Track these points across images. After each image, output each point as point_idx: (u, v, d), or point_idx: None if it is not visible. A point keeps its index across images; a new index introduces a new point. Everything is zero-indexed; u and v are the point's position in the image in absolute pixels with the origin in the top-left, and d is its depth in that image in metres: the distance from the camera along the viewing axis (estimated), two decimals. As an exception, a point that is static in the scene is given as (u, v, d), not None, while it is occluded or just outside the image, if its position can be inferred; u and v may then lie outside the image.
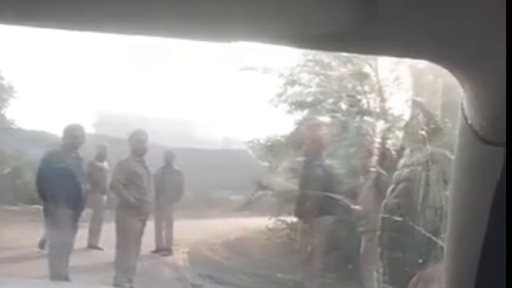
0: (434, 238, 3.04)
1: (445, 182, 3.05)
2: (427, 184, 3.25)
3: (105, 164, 7.57)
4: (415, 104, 3.70)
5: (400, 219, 3.36)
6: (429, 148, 3.25)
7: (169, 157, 7.81)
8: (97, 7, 0.72)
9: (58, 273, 5.59)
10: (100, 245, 7.43)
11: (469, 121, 0.78)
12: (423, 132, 3.33)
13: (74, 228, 5.96)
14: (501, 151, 0.74)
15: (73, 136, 6.02)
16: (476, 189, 0.82)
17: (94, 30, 0.83)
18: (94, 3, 0.72)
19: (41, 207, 6.58)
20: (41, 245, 6.85)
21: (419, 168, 3.39)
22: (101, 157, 7.61)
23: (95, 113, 9.94)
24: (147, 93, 9.07)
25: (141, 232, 6.30)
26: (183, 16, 0.76)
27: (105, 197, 7.55)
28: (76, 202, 5.89)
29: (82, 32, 0.84)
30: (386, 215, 3.52)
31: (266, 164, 8.44)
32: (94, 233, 7.58)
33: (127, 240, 6.16)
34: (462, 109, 0.80)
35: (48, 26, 0.84)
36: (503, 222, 0.78)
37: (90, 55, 8.31)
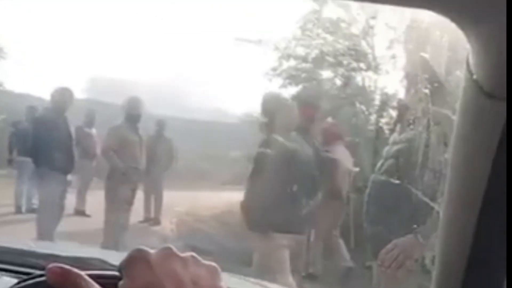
0: (431, 203, 2.99)
1: (446, 144, 3.01)
2: (427, 145, 3.20)
3: (93, 130, 7.48)
4: (420, 60, 3.63)
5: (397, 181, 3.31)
6: (431, 107, 3.19)
7: (160, 126, 7.73)
8: None
9: (47, 236, 5.55)
10: (87, 212, 7.39)
11: (474, 76, 0.77)
12: (426, 91, 3.26)
13: (63, 192, 5.91)
14: (504, 106, 0.75)
15: (61, 99, 5.94)
16: (479, 143, 0.82)
17: None
18: None
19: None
20: (18, 209, 6.84)
21: (420, 128, 3.34)
22: (89, 122, 7.51)
23: (86, 78, 9.80)
24: (139, 59, 8.92)
25: (131, 200, 6.25)
26: None
27: (93, 163, 7.46)
28: (65, 166, 5.85)
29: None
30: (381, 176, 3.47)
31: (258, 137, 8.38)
32: (81, 200, 7.53)
33: (117, 208, 6.11)
34: (468, 64, 0.79)
35: None
36: (503, 178, 0.79)
37: (82, 19, 8.13)
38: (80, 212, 7.43)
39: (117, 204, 6.09)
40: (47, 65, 9.18)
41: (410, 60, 5.77)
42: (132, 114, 6.18)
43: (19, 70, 9.51)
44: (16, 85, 9.43)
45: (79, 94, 7.97)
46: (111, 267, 1.22)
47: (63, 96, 5.96)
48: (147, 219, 7.74)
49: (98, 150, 7.00)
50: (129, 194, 6.20)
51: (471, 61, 0.78)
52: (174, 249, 0.69)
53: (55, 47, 8.77)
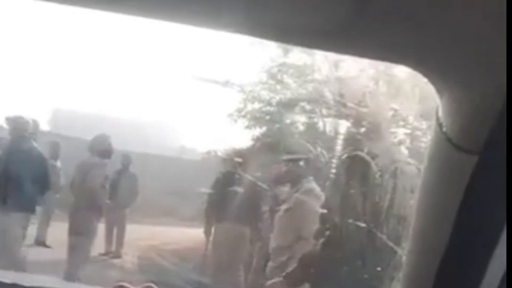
0: (395, 247, 3.13)
1: (412, 192, 3.15)
2: (394, 192, 3.35)
3: (58, 163, 7.56)
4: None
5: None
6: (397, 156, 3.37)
7: (126, 161, 7.86)
8: None
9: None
10: (47, 243, 7.40)
11: (444, 129, 0.79)
12: (395, 140, 3.44)
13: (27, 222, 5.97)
14: (473, 159, 0.75)
15: (18, 127, 6.04)
16: (445, 193, 0.83)
17: (87, 6, 0.86)
18: None
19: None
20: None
21: (387, 175, 3.50)
22: (54, 155, 7.58)
23: (50, 110, 9.80)
24: (104, 93, 8.98)
25: (93, 233, 6.35)
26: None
27: (57, 196, 7.52)
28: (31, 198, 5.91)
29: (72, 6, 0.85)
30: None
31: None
32: (42, 231, 7.54)
33: (79, 240, 6.19)
34: (437, 117, 0.81)
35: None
36: (468, 227, 0.80)
37: (45, 51, 8.18)
38: (41, 243, 7.44)
39: (80, 236, 6.18)
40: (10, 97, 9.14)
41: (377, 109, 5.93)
42: (102, 150, 6.33)
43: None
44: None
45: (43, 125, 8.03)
46: None
47: (27, 126, 6.05)
48: (108, 252, 7.77)
49: (62, 183, 7.11)
50: (93, 227, 6.29)
51: (440, 114, 0.80)
52: (155, 286, 0.73)
53: (18, 78, 8.75)
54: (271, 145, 7.91)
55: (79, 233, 6.12)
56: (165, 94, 9.07)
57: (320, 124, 8.45)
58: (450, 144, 0.78)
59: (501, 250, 0.75)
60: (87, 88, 9.01)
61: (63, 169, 7.35)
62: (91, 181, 6.24)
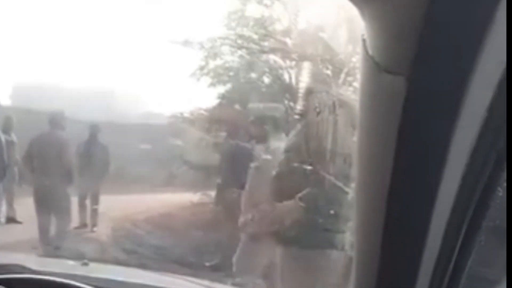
0: (345, 188, 3.07)
1: (353, 127, 3.04)
2: (335, 129, 3.25)
3: (12, 136, 7.33)
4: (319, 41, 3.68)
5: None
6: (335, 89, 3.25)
7: (94, 131, 7.65)
8: None
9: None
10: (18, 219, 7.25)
11: (370, 52, 0.76)
12: (328, 72, 3.33)
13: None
14: (403, 81, 0.73)
15: None
16: (381, 120, 0.80)
17: None
18: None
19: None
20: None
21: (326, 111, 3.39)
22: (7, 129, 7.32)
23: (11, 85, 9.56)
24: (65, 63, 8.75)
25: (61, 206, 6.22)
26: None
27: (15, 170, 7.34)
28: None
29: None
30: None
31: (190, 138, 8.42)
32: (10, 207, 7.38)
33: (48, 215, 6.07)
34: (363, 40, 0.78)
35: None
36: (409, 153, 0.78)
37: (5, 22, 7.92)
38: (12, 220, 7.27)
39: (48, 211, 6.05)
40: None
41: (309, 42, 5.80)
42: (56, 121, 6.16)
43: None
44: None
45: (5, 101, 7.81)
46: (29, 271, 1.29)
47: None
48: (82, 225, 7.63)
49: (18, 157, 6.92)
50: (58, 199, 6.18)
51: (366, 37, 0.77)
52: None
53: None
54: (237, 102, 7.76)
55: (46, 208, 6.01)
56: (124, 60, 8.86)
57: (286, 76, 8.33)
58: (377, 68, 0.75)
59: (453, 162, 0.75)
60: (47, 60, 8.79)
61: (20, 143, 7.15)
62: (50, 153, 6.09)
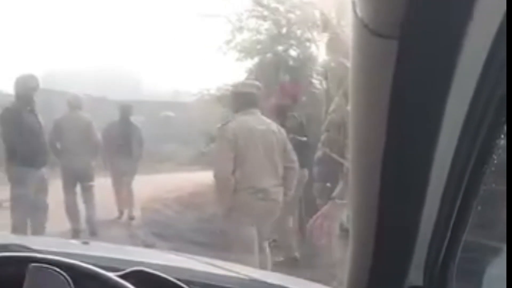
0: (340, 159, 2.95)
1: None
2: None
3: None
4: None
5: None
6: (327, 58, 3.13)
7: (126, 111, 7.38)
8: None
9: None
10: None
11: (359, 15, 0.74)
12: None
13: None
14: (394, 44, 0.72)
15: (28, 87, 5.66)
16: (373, 84, 0.80)
17: None
18: None
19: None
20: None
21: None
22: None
23: (42, 69, 9.56)
24: (94, 45, 8.74)
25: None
26: None
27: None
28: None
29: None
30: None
31: (217, 115, 8.26)
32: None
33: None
34: (353, 2, 0.76)
35: None
36: (403, 116, 0.79)
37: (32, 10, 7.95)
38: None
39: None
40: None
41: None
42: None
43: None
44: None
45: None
46: (29, 250, 1.22)
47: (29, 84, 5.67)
48: (120, 215, 7.53)
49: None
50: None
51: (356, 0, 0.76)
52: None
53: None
54: (265, 76, 7.54)
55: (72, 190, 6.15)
56: (150, 39, 8.81)
57: (314, 49, 8.10)
58: (368, 31, 0.73)
59: (447, 126, 0.77)
60: (79, 45, 8.82)
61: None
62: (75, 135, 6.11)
